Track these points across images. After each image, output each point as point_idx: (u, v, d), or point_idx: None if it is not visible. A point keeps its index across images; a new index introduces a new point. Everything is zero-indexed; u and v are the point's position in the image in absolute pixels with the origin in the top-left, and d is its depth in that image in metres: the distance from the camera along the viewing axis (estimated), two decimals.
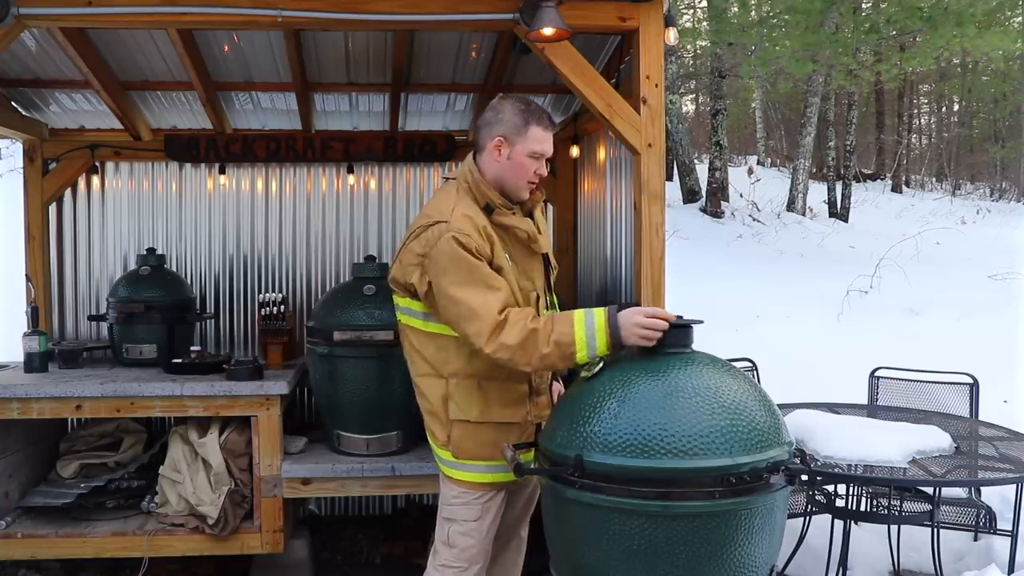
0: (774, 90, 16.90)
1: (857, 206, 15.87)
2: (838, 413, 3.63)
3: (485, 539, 2.46)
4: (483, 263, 2.26)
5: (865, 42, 11.81)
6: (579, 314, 2.21)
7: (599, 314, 2.19)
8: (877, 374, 4.14)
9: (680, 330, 2.21)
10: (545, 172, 2.42)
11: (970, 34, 10.60)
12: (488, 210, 2.35)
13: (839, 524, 3.26)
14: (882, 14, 11.99)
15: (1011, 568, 3.26)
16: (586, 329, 2.17)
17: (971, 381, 3.91)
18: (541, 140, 2.36)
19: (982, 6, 10.76)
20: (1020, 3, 12.48)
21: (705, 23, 13.93)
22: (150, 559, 3.44)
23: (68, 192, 4.38)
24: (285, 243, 4.50)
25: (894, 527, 3.40)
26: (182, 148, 4.35)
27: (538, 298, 2.43)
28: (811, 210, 14.85)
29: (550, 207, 4.59)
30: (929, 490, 3.37)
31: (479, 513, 2.43)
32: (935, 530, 3.25)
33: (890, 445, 3.02)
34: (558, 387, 2.66)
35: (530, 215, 2.50)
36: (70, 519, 3.47)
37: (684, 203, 13.37)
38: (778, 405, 2.23)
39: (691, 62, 20.77)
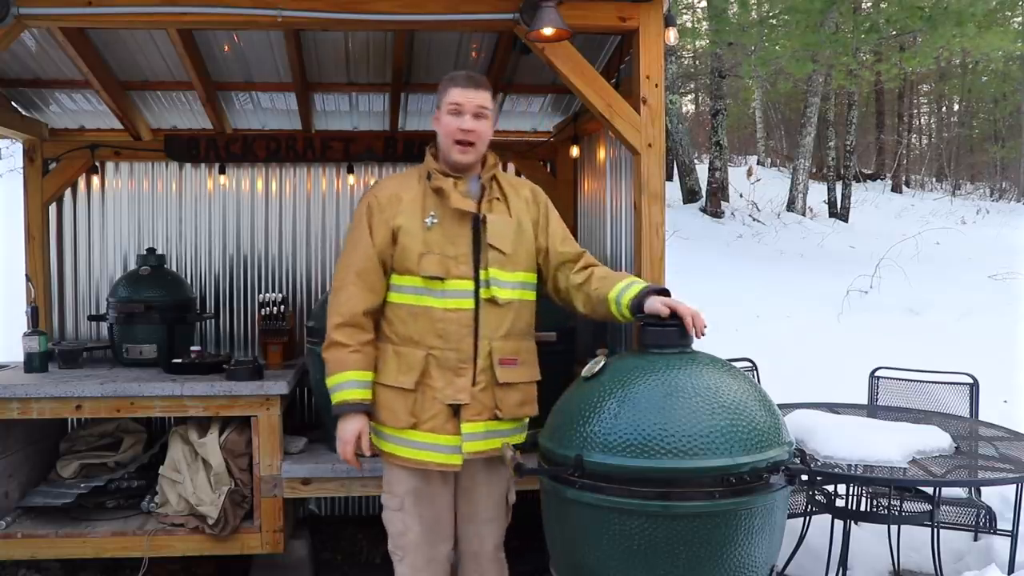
0: (774, 90, 16.90)
1: (857, 206, 15.87)
2: (838, 413, 3.63)
3: (416, 533, 2.50)
4: (366, 236, 2.43)
5: (865, 42, 11.81)
6: (336, 378, 2.43)
7: (344, 393, 2.42)
8: (877, 374, 4.14)
9: (680, 330, 2.22)
10: (472, 126, 2.41)
11: (970, 34, 10.59)
12: (429, 178, 2.47)
13: (839, 524, 3.26)
14: (882, 14, 11.99)
15: (1011, 568, 3.26)
16: (331, 389, 2.45)
17: (971, 381, 3.91)
18: (456, 95, 2.42)
19: (982, 6, 10.75)
20: (1020, 3, 12.47)
21: (705, 23, 13.93)
22: (150, 559, 3.44)
23: (68, 192, 4.38)
24: (285, 243, 4.50)
25: (894, 527, 3.40)
26: (182, 148, 4.35)
27: (454, 267, 2.41)
28: (811, 210, 14.85)
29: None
30: (929, 490, 3.37)
31: (399, 503, 2.51)
32: (935, 530, 3.25)
33: (890, 445, 3.02)
34: (519, 390, 2.53)
35: (483, 190, 2.49)
36: (70, 519, 3.47)
37: (684, 203, 13.38)
38: (778, 405, 2.23)
39: (691, 62, 20.77)
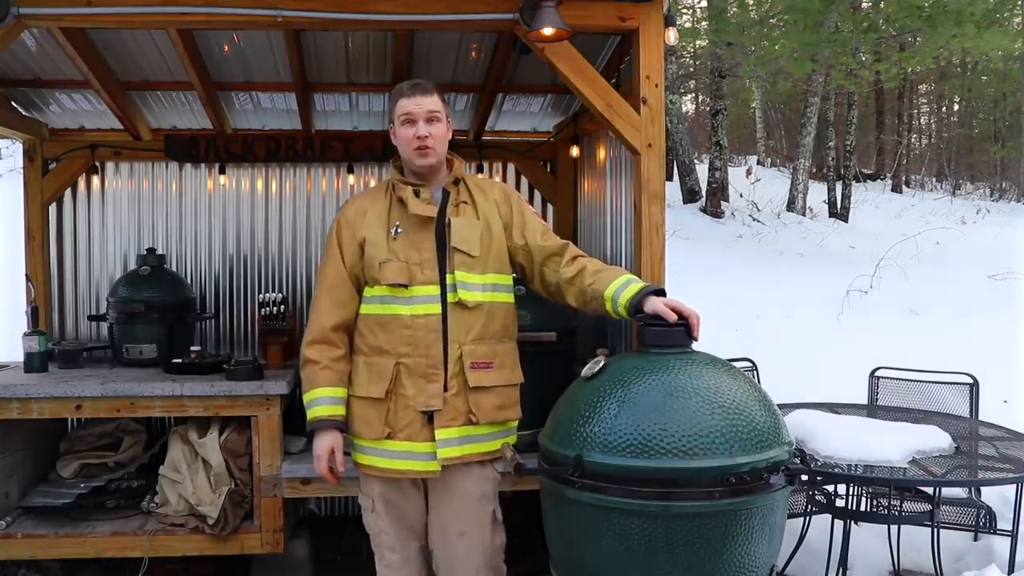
0: (774, 90, 16.90)
1: (857, 206, 15.86)
2: (838, 413, 3.63)
3: (391, 535, 2.50)
4: (336, 252, 2.47)
5: (864, 41, 11.80)
6: (309, 395, 2.45)
7: (316, 410, 2.44)
8: (877, 374, 4.14)
9: (680, 330, 2.22)
10: (427, 132, 2.41)
11: (970, 33, 10.59)
12: (394, 189, 2.50)
13: (839, 524, 3.26)
14: (881, 13, 11.99)
15: (1011, 568, 3.26)
16: (306, 406, 2.47)
17: (971, 381, 3.91)
18: (406, 105, 2.43)
19: (981, 5, 10.74)
20: (1020, 3, 12.47)
21: (704, 23, 13.93)
22: (150, 559, 3.44)
23: (68, 192, 4.38)
24: (285, 243, 4.50)
25: (894, 527, 3.40)
26: (182, 148, 4.34)
27: (419, 272, 2.41)
28: (811, 210, 14.85)
29: (550, 207, 4.59)
30: (929, 490, 3.37)
31: (371, 505, 2.51)
32: (935, 530, 3.25)
33: (890, 445, 3.02)
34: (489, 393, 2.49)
35: (447, 195, 2.49)
36: (70, 519, 3.47)
37: (684, 203, 13.37)
38: (778, 405, 2.23)
39: (691, 62, 20.77)
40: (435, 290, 2.42)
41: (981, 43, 11.25)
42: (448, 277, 2.42)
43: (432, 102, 2.44)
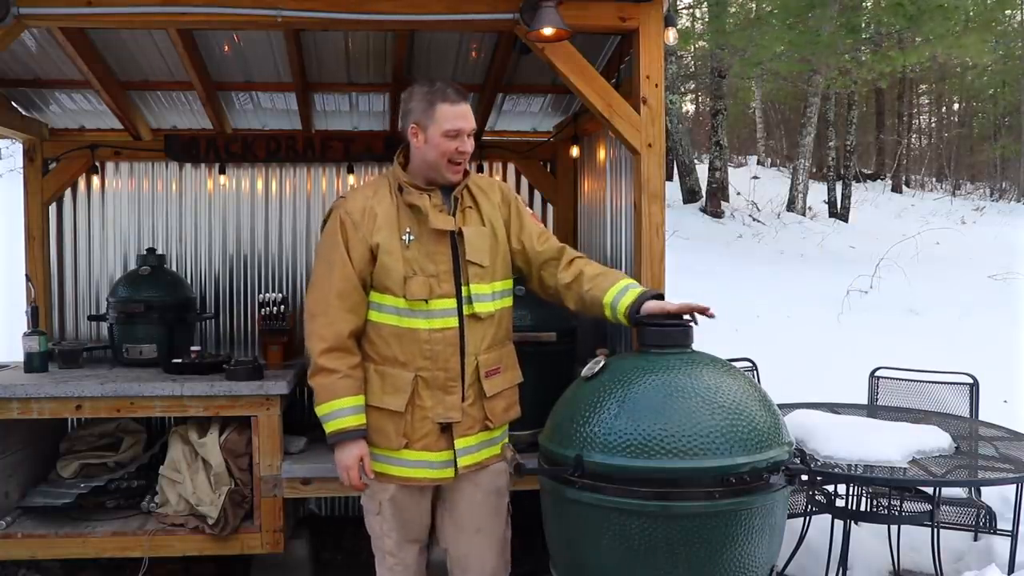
0: (766, 91, 16.92)
1: (857, 206, 15.88)
2: (838, 413, 3.63)
3: (394, 539, 2.48)
4: (343, 255, 2.34)
5: (848, 37, 11.81)
6: (328, 406, 2.35)
7: (341, 421, 2.34)
8: (877, 374, 4.14)
9: (680, 330, 2.22)
10: (468, 147, 2.37)
11: (956, 31, 10.61)
12: (401, 191, 2.41)
13: (839, 524, 3.27)
14: (868, 13, 12.00)
15: (1011, 568, 3.26)
16: (324, 417, 2.36)
17: (971, 381, 3.91)
18: (451, 118, 2.34)
19: (962, 5, 10.74)
20: (1019, 3, 12.47)
21: (701, 23, 13.95)
22: (150, 559, 3.44)
23: (68, 192, 4.37)
24: (285, 243, 4.50)
25: (894, 527, 3.40)
26: (182, 148, 4.34)
27: (436, 284, 2.36)
28: (811, 210, 14.87)
29: (550, 207, 4.59)
30: (929, 490, 3.37)
31: (377, 508, 2.48)
32: (935, 530, 3.25)
33: (890, 445, 3.02)
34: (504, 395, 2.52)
35: (456, 201, 2.43)
36: (70, 519, 3.47)
37: (684, 203, 13.39)
38: (778, 405, 2.23)
39: (691, 62, 20.78)
40: (452, 303, 2.38)
41: (967, 43, 11.26)
42: (463, 290, 2.39)
43: (472, 116, 2.39)
